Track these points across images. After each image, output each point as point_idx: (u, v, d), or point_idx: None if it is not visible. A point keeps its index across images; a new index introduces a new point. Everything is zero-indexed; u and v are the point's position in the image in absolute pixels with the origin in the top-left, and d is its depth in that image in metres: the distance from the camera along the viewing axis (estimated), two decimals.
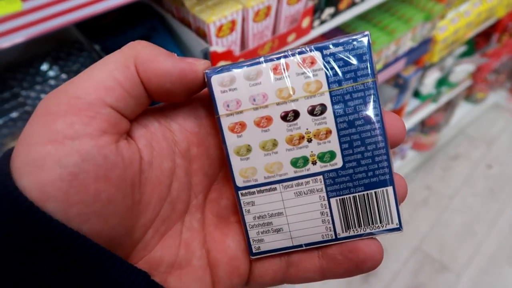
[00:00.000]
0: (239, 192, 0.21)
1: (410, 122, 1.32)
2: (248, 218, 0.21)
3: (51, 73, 0.54)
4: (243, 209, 0.21)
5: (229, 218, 0.22)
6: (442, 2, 0.97)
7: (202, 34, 0.58)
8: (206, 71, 0.20)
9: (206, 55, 0.58)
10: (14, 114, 0.48)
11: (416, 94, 1.32)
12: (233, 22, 0.58)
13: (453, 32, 1.08)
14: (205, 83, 0.20)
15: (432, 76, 1.28)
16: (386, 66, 0.95)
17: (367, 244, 0.20)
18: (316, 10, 0.69)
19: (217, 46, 0.58)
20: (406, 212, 1.40)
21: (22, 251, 0.16)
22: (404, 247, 1.31)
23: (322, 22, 0.73)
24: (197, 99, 0.21)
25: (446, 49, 1.13)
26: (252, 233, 0.21)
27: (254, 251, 0.21)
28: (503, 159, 1.56)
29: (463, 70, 1.38)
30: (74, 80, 0.18)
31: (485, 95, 1.66)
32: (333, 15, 0.73)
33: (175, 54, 0.19)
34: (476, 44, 1.50)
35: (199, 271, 0.21)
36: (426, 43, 1.02)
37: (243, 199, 0.21)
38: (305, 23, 0.68)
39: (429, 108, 1.36)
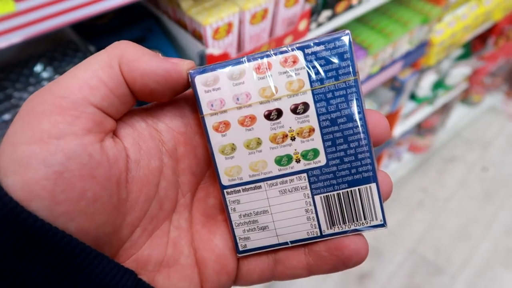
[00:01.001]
0: (225, 191, 0.21)
1: (406, 125, 1.32)
2: (234, 217, 0.21)
3: (45, 74, 0.53)
4: (229, 207, 0.21)
5: (216, 216, 0.22)
6: (439, 5, 0.97)
7: (199, 36, 0.58)
8: (190, 71, 0.20)
9: (202, 57, 0.58)
10: (6, 116, 0.47)
11: (413, 96, 1.32)
12: (229, 25, 0.58)
13: (450, 35, 1.08)
14: (190, 83, 0.20)
15: (429, 79, 1.28)
16: (382, 69, 0.95)
17: (352, 240, 0.21)
18: (313, 13, 0.69)
19: (214, 48, 0.58)
20: (401, 214, 1.41)
21: (7, 250, 0.16)
22: (400, 250, 1.31)
23: (319, 24, 0.72)
24: (183, 98, 0.22)
25: (442, 52, 1.13)
26: (238, 231, 0.21)
27: (240, 249, 0.21)
28: (498, 162, 1.56)
29: (459, 73, 1.38)
30: (59, 80, 0.18)
31: (481, 98, 1.67)
32: (330, 18, 0.73)
33: (160, 54, 0.19)
34: (473, 47, 1.50)
35: (187, 269, 0.21)
36: (422, 46, 1.03)
37: (229, 198, 0.21)
38: (302, 25, 0.68)
39: (425, 111, 1.36)
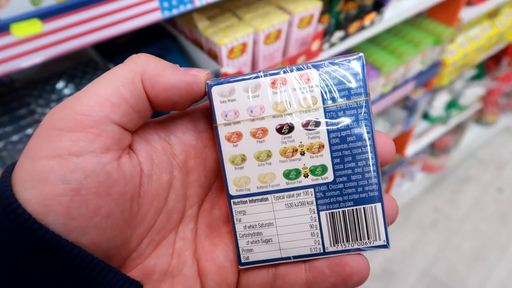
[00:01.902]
0: (232, 201, 0.21)
1: (419, 144, 1.31)
2: (239, 227, 0.21)
3: (67, 91, 0.56)
4: (235, 218, 0.21)
5: (220, 228, 0.22)
6: (451, 26, 0.98)
7: (214, 55, 0.60)
8: (208, 81, 0.20)
9: (217, 75, 0.59)
10: (29, 131, 0.49)
11: (426, 116, 1.32)
12: (244, 45, 0.59)
13: (463, 56, 1.08)
14: (206, 93, 0.21)
15: (442, 99, 1.28)
16: (395, 88, 0.96)
17: (354, 259, 0.21)
18: (326, 34, 0.70)
19: (228, 67, 0.60)
20: (414, 234, 1.38)
21: (18, 260, 0.16)
22: (413, 271, 1.29)
23: (332, 45, 0.74)
24: (195, 112, 0.22)
25: (455, 72, 1.14)
26: (242, 243, 0.21)
27: (242, 260, 0.21)
28: None
29: (473, 93, 1.38)
30: (80, 96, 0.18)
31: (496, 118, 1.65)
32: (342, 39, 0.74)
33: (178, 66, 0.20)
34: (487, 67, 1.50)
35: (190, 280, 0.21)
36: (435, 66, 1.03)
37: (235, 208, 0.21)
38: (315, 46, 0.69)
39: (439, 131, 1.35)
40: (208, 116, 0.22)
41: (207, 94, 0.21)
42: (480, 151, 1.66)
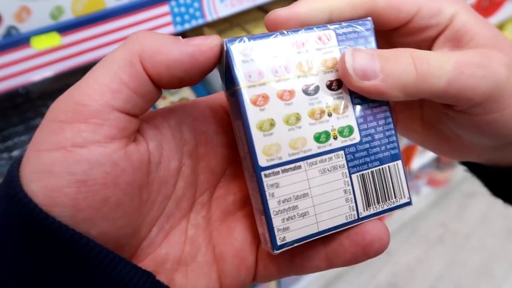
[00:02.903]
0: (262, 173, 0.19)
1: (424, 158, 1.32)
2: (272, 204, 0.19)
3: None
4: (267, 193, 0.19)
5: (235, 213, 0.22)
6: None
7: None
8: (226, 40, 0.19)
9: None
10: None
11: None
12: None
13: None
14: (219, 57, 0.19)
15: None
16: None
17: (374, 225, 0.20)
18: None
19: None
20: (420, 249, 1.37)
21: (26, 252, 0.16)
22: (419, 286, 1.27)
23: None
24: (205, 99, 0.22)
25: None
26: (277, 221, 0.19)
27: (279, 243, 0.19)
28: None
29: None
30: (80, 84, 0.17)
31: None
32: None
33: (180, 38, 0.18)
34: None
35: (205, 267, 0.21)
36: None
37: (267, 181, 0.19)
38: None
39: None
40: (216, 103, 0.22)
41: (224, 57, 0.19)
42: None
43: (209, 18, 0.50)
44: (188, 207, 0.21)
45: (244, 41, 0.19)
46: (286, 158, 0.19)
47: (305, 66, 0.20)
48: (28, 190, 0.16)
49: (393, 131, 0.21)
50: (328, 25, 0.21)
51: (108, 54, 0.18)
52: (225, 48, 0.19)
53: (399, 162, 0.21)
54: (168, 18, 0.47)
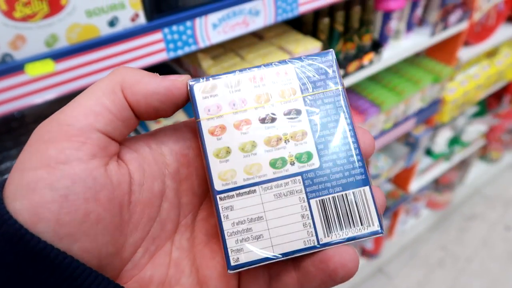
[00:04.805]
0: (218, 197, 0.20)
1: (423, 180, 1.31)
2: (227, 225, 0.20)
3: None
4: (221, 215, 0.20)
5: (218, 236, 0.22)
6: (450, 65, 1.00)
7: None
8: (189, 80, 0.21)
9: None
10: None
11: (429, 152, 1.32)
12: None
13: (463, 94, 1.11)
14: (189, 93, 0.21)
15: (444, 135, 1.29)
16: (395, 125, 0.97)
17: (336, 251, 0.20)
18: None
19: None
20: (420, 272, 1.35)
21: (11, 271, 0.16)
22: None
23: None
24: (186, 123, 0.23)
25: (456, 110, 1.15)
26: (231, 242, 0.20)
27: (232, 263, 0.20)
28: None
29: (475, 130, 1.39)
30: (65, 109, 0.19)
31: (500, 155, 1.65)
32: (342, 77, 0.77)
33: (158, 74, 0.20)
34: (488, 104, 1.52)
35: None
36: (435, 104, 1.05)
37: (222, 204, 0.20)
38: None
39: (442, 167, 1.36)
40: (196, 128, 0.22)
41: (189, 95, 0.21)
42: (486, 188, 1.65)
43: (202, 44, 0.52)
44: (173, 229, 0.22)
45: (206, 80, 0.21)
46: (241, 183, 0.21)
47: (263, 98, 0.21)
48: (13, 210, 0.17)
49: (358, 157, 0.21)
50: (287, 60, 0.22)
51: (93, 84, 0.20)
52: (188, 87, 0.21)
53: (366, 188, 0.21)
54: (162, 45, 0.48)
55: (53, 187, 0.17)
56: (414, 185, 1.29)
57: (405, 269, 1.36)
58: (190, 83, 0.21)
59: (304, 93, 0.21)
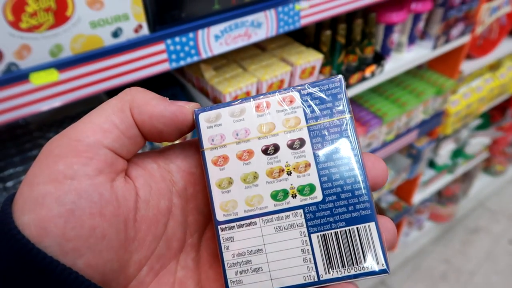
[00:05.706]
0: (219, 227, 0.21)
1: (426, 192, 1.31)
2: (227, 256, 0.20)
3: None
4: (222, 245, 0.20)
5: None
6: (453, 78, 1.01)
7: (219, 103, 0.63)
8: (195, 109, 0.21)
9: None
10: None
11: (432, 164, 1.32)
12: (247, 93, 0.62)
13: (466, 106, 1.11)
14: (195, 121, 0.21)
15: (447, 147, 1.29)
16: (398, 136, 0.98)
17: None
18: None
19: None
20: (423, 286, 1.34)
21: (18, 285, 0.17)
22: None
23: None
24: (193, 143, 0.23)
25: (459, 122, 1.15)
26: (231, 273, 0.20)
27: None
28: None
29: (478, 143, 1.39)
30: (75, 125, 0.19)
31: (504, 168, 1.64)
32: None
33: (167, 98, 0.21)
34: (492, 117, 1.52)
35: None
36: (438, 116, 1.05)
37: (223, 235, 0.20)
38: None
39: (446, 179, 1.35)
40: None
41: (195, 123, 0.21)
42: (490, 201, 1.63)
43: (204, 55, 0.52)
44: (179, 248, 0.22)
45: (211, 109, 0.21)
46: (241, 214, 0.21)
47: (266, 128, 0.21)
48: (20, 223, 0.17)
49: (364, 191, 0.20)
50: (291, 88, 0.21)
51: (104, 102, 0.20)
52: (193, 116, 0.21)
53: (372, 224, 0.20)
54: (164, 56, 0.49)
55: (60, 202, 0.17)
56: (417, 197, 1.29)
57: (408, 282, 1.35)
58: (196, 112, 0.21)
59: (309, 123, 0.21)
